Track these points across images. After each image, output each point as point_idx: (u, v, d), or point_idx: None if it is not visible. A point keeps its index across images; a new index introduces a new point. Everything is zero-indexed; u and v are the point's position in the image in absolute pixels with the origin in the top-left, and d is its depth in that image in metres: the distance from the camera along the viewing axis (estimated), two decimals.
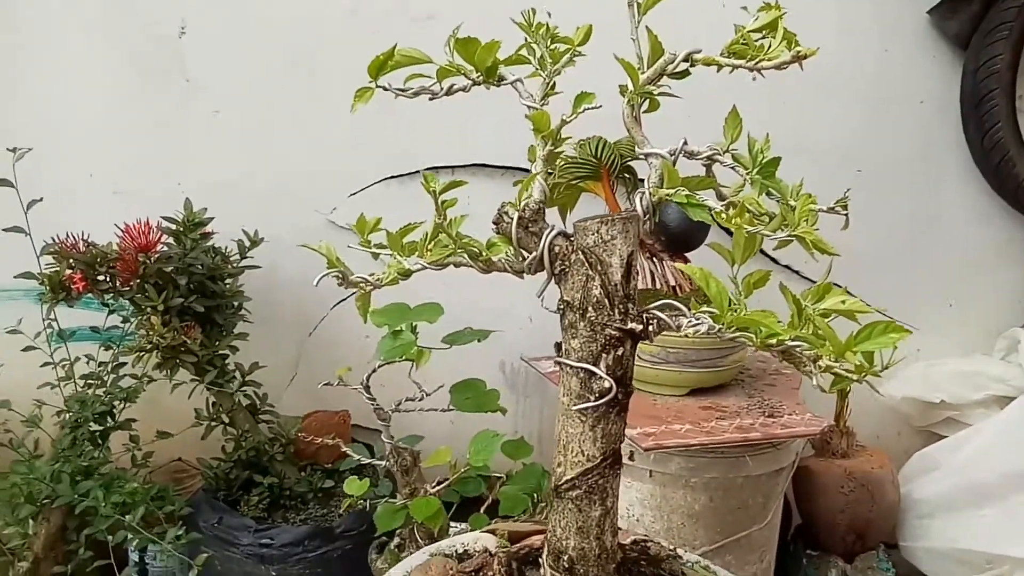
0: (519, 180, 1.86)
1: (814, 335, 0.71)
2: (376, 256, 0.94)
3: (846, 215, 0.81)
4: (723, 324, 0.69)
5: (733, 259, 0.84)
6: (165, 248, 1.56)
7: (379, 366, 1.36)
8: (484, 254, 0.84)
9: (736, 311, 0.68)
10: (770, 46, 0.80)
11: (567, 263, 0.83)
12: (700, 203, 0.80)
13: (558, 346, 0.85)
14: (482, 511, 1.49)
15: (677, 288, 1.71)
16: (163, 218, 1.56)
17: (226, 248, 1.72)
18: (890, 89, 2.02)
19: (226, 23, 1.84)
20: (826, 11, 1.95)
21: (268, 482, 1.63)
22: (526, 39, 0.89)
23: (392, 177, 1.94)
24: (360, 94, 0.84)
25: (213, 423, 1.65)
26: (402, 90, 0.86)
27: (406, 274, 0.86)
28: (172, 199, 1.82)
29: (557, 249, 0.84)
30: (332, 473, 1.74)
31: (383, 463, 1.39)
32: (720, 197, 0.90)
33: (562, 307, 0.83)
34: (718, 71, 0.85)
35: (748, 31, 0.83)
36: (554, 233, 0.84)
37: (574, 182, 1.72)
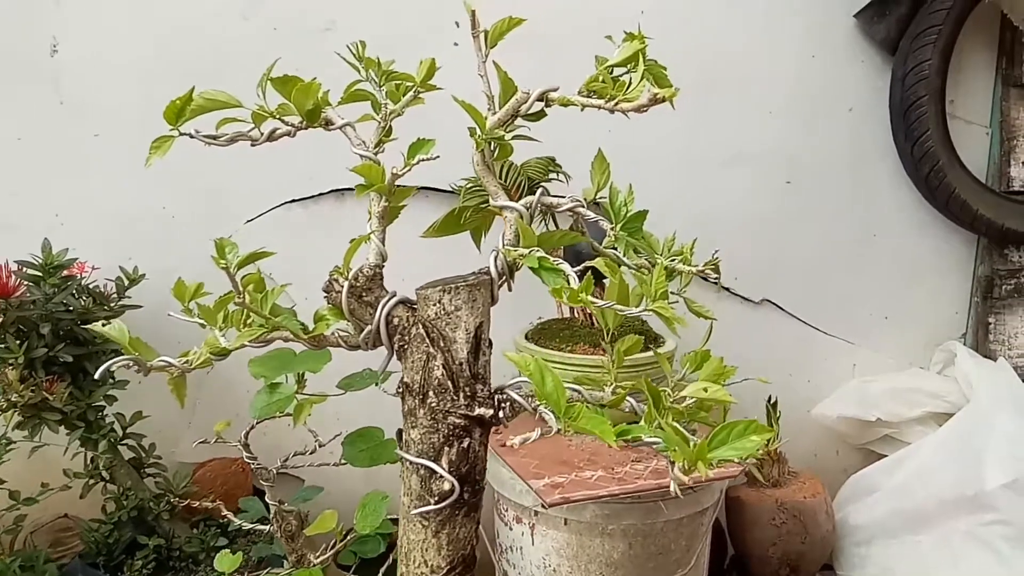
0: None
1: (673, 428, 0.60)
2: (204, 326, 0.81)
3: (716, 279, 0.70)
4: (561, 427, 0.58)
5: (605, 324, 0.73)
6: (27, 292, 1.41)
7: (256, 422, 1.23)
8: (311, 329, 0.72)
9: (573, 415, 0.57)
10: (630, 84, 0.69)
11: (407, 338, 0.71)
12: (553, 267, 0.69)
13: (399, 434, 0.73)
14: (381, 572, 1.37)
15: (592, 318, 1.61)
16: (17, 262, 1.41)
17: (105, 286, 1.57)
18: (818, 96, 1.93)
19: (103, 37, 1.69)
20: (751, 14, 1.86)
21: (154, 543, 1.49)
22: (359, 73, 0.77)
23: (293, 201, 1.81)
24: (158, 144, 0.72)
25: (91, 481, 1.51)
26: (213, 137, 0.74)
27: (223, 353, 0.74)
28: (51, 233, 1.68)
29: (396, 321, 0.72)
30: (227, 529, 1.60)
31: (267, 527, 1.27)
32: (594, 250, 0.79)
33: (401, 390, 0.72)
34: (582, 110, 0.74)
35: (608, 66, 0.72)
36: (392, 303, 0.72)
37: (483, 205, 1.61)
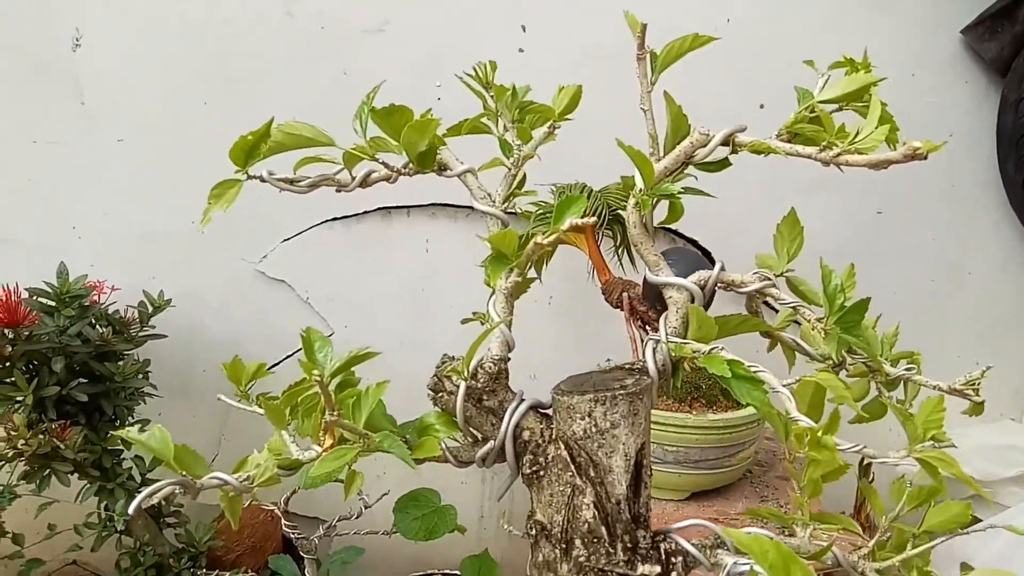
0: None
1: None
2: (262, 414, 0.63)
3: (980, 403, 0.52)
4: None
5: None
6: (39, 320, 1.24)
7: (296, 490, 1.06)
8: (416, 445, 0.54)
9: None
10: (857, 132, 0.51)
11: (542, 461, 0.53)
12: (750, 375, 0.50)
13: None
14: None
15: None
16: (29, 290, 1.23)
17: (126, 312, 1.40)
18: (916, 120, 1.74)
19: (131, 31, 1.51)
20: (845, 26, 1.67)
21: None
22: (483, 104, 0.59)
23: (336, 219, 1.63)
24: (219, 192, 0.54)
25: (105, 533, 1.34)
26: (290, 181, 0.55)
27: (294, 466, 0.56)
28: (68, 248, 1.51)
29: (527, 435, 0.54)
30: None
31: None
32: (766, 335, 0.61)
33: (533, 531, 0.54)
34: (765, 156, 0.56)
35: (819, 101, 0.54)
36: (522, 410, 0.54)
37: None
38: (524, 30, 1.59)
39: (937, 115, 1.75)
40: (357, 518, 1.19)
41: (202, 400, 1.63)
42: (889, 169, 1.85)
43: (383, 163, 0.54)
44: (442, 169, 0.56)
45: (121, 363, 1.31)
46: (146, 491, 0.50)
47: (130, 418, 1.34)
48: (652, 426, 1.32)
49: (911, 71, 1.72)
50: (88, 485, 1.25)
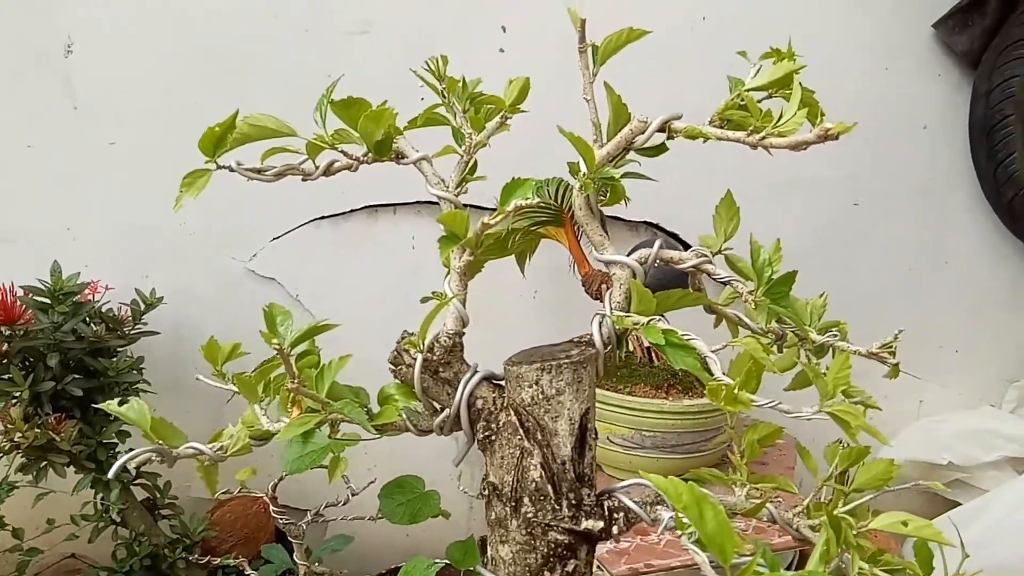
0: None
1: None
2: (229, 397, 0.68)
3: (895, 365, 0.56)
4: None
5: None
6: (34, 318, 1.28)
7: (283, 476, 1.10)
8: (375, 414, 0.58)
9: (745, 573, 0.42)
10: (781, 116, 0.55)
11: (494, 427, 0.57)
12: (683, 343, 0.54)
13: (482, 544, 0.59)
14: None
15: (652, 353, 1.47)
16: (23, 287, 1.28)
17: (119, 310, 1.44)
18: (891, 112, 1.78)
19: (121, 37, 1.55)
20: (821, 23, 1.71)
21: None
22: (438, 95, 0.63)
23: (322, 218, 1.67)
24: (190, 180, 0.58)
25: (101, 524, 1.37)
26: (257, 171, 0.60)
27: (265, 436, 0.60)
28: (63, 248, 1.54)
29: (480, 404, 0.58)
30: None
31: None
32: (710, 310, 0.65)
33: (487, 491, 0.58)
34: (704, 141, 0.60)
35: (748, 89, 0.58)
36: (475, 380, 0.58)
37: (532, 228, 1.46)
38: (504, 31, 1.63)
39: (911, 107, 1.79)
40: (344, 504, 1.22)
41: (195, 396, 1.67)
42: (864, 161, 1.89)
43: (343, 152, 0.58)
44: (399, 157, 0.60)
45: (115, 359, 1.35)
46: (125, 456, 0.53)
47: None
48: (630, 412, 1.36)
49: (884, 65, 1.76)
50: (84, 477, 1.29)
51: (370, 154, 0.58)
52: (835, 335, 0.62)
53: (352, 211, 1.67)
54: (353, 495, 1.28)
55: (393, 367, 0.61)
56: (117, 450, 1.37)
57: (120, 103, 1.58)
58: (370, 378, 0.74)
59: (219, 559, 1.31)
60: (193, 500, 1.61)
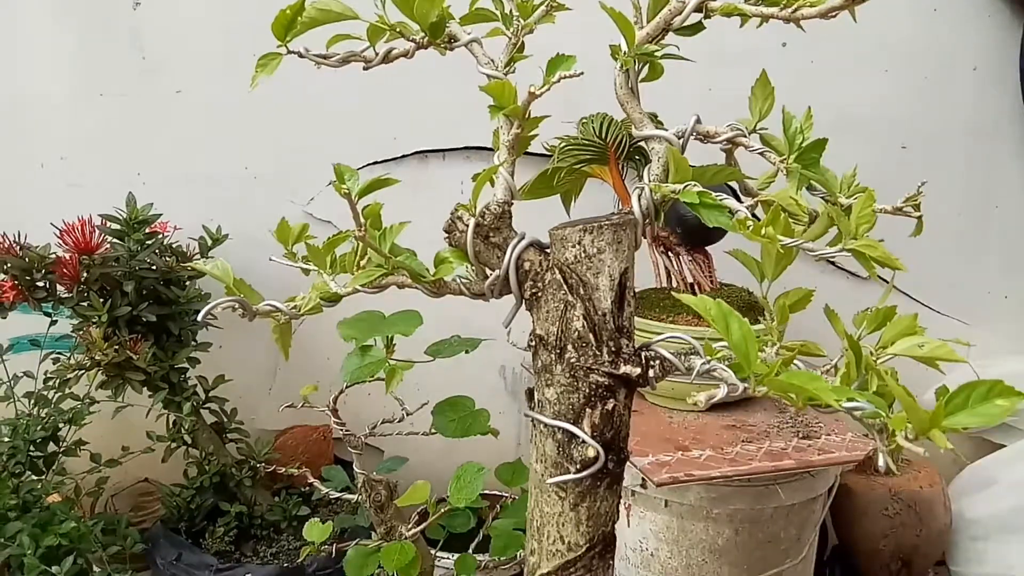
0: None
1: (878, 394, 0.50)
2: (307, 272, 0.74)
3: (919, 217, 0.60)
4: (750, 384, 0.48)
5: (762, 273, 0.63)
6: (111, 249, 1.37)
7: (345, 387, 1.17)
8: (430, 273, 0.64)
9: (768, 371, 0.47)
10: None
11: (540, 285, 0.62)
12: (716, 203, 0.59)
13: (529, 393, 0.65)
14: (471, 549, 1.30)
15: (696, 286, 1.50)
16: (102, 216, 1.37)
17: (188, 246, 1.53)
18: (939, 54, 1.77)
19: None
20: None
21: (236, 511, 1.45)
22: None
23: (376, 163, 1.73)
24: (264, 62, 0.64)
25: (173, 444, 1.47)
26: (323, 56, 0.65)
27: (334, 299, 0.66)
28: (133, 191, 1.64)
29: (527, 266, 0.63)
30: (310, 498, 1.55)
31: (352, 497, 1.20)
32: (746, 192, 0.69)
33: (534, 343, 0.63)
34: (741, 25, 0.64)
35: None
36: (523, 244, 0.63)
37: (577, 167, 1.51)
38: None
39: (960, 49, 1.78)
40: (399, 422, 1.29)
41: (258, 334, 1.76)
42: (912, 104, 1.87)
43: (400, 34, 0.63)
44: (451, 40, 0.65)
45: (185, 289, 1.44)
46: (210, 304, 0.60)
47: (194, 341, 1.47)
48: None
49: (933, 6, 1.75)
50: (157, 394, 1.38)
51: (426, 37, 0.63)
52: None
53: (404, 156, 1.73)
54: (408, 414, 1.35)
55: (447, 234, 0.66)
56: (187, 374, 1.46)
57: (186, 54, 1.66)
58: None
59: (284, 474, 1.38)
60: (257, 431, 1.71)
